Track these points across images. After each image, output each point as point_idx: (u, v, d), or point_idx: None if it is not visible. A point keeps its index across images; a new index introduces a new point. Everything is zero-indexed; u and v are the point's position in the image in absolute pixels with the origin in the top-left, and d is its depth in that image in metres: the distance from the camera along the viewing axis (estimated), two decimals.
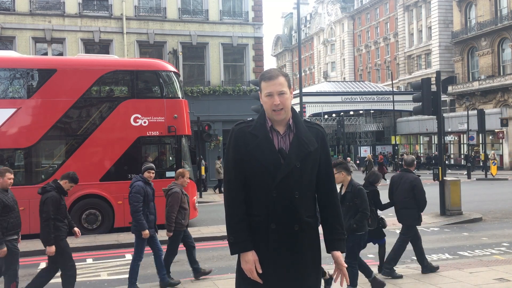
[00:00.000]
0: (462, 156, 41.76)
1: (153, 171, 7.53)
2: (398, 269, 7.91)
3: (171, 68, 13.70)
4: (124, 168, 12.34)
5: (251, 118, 2.96)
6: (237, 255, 2.84)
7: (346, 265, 2.85)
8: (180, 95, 13.27)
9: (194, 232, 11.71)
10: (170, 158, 13.18)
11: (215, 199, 20.39)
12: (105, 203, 12.19)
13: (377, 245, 7.70)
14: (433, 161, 36.55)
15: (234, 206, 2.80)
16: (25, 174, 12.14)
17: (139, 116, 12.38)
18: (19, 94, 12.60)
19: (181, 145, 12.73)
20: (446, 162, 38.75)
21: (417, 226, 7.79)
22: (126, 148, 12.35)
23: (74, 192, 11.82)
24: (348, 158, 29.64)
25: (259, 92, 2.93)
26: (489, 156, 31.84)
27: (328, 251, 2.89)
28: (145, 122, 12.39)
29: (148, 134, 12.48)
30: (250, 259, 2.71)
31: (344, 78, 71.44)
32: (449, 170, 33.44)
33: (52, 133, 12.13)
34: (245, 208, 2.78)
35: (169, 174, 12.39)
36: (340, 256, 2.85)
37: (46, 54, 24.44)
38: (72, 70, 12.45)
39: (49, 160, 12.48)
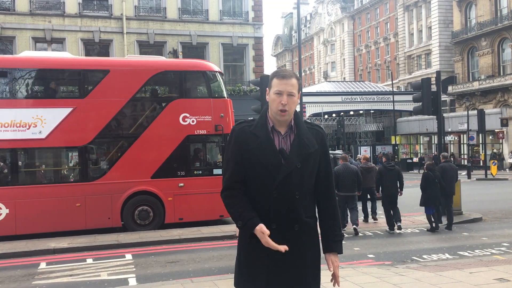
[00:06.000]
0: (463, 156, 41.79)
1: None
2: (398, 269, 7.91)
3: (216, 68, 13.91)
4: (173, 165, 12.57)
5: (252, 118, 2.95)
6: (236, 255, 2.86)
7: (338, 267, 2.86)
8: (225, 95, 13.45)
9: (194, 232, 11.72)
10: (218, 156, 13.33)
11: None
12: (156, 199, 12.42)
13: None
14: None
15: (232, 196, 2.80)
16: (80, 171, 12.37)
17: (187, 115, 12.60)
18: (74, 94, 12.94)
19: None
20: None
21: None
22: (176, 146, 12.58)
23: (128, 189, 12.18)
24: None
25: (267, 89, 2.88)
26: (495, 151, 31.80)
27: (324, 251, 2.89)
28: (193, 121, 12.61)
29: (196, 133, 12.70)
30: (260, 234, 2.67)
31: (344, 78, 71.43)
32: None
33: (106, 132, 12.38)
34: (246, 199, 2.77)
35: (216, 171, 12.49)
36: (335, 257, 2.86)
37: None
38: (124, 71, 12.69)
39: (103, 158, 12.73)
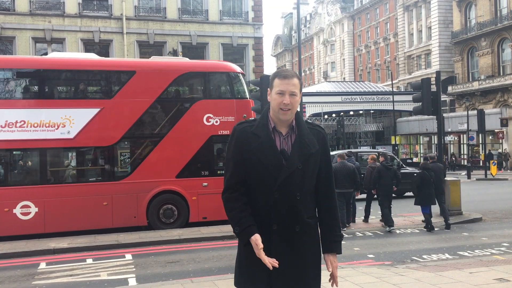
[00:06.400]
0: (462, 156, 41.77)
1: None
2: (398, 269, 7.91)
3: (239, 69, 14.02)
4: (197, 165, 12.72)
5: (253, 118, 2.95)
6: (236, 255, 2.87)
7: (337, 267, 2.87)
8: (247, 96, 13.57)
9: (194, 232, 11.73)
10: None
11: None
12: (181, 198, 12.56)
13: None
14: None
15: (233, 200, 2.80)
16: (107, 171, 12.51)
17: (211, 115, 12.74)
18: (102, 95, 13.06)
19: None
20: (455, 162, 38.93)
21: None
22: (200, 146, 12.72)
23: (153, 188, 12.33)
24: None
25: (268, 89, 2.88)
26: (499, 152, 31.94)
27: (324, 251, 2.90)
28: (216, 122, 12.76)
29: (219, 133, 12.82)
30: (254, 245, 2.68)
31: (344, 78, 71.43)
32: (450, 171, 33.44)
33: (132, 132, 12.52)
34: (245, 201, 2.78)
35: None
36: (334, 258, 2.86)
37: (46, 54, 24.45)
38: (150, 72, 12.79)
39: (129, 157, 12.84)
